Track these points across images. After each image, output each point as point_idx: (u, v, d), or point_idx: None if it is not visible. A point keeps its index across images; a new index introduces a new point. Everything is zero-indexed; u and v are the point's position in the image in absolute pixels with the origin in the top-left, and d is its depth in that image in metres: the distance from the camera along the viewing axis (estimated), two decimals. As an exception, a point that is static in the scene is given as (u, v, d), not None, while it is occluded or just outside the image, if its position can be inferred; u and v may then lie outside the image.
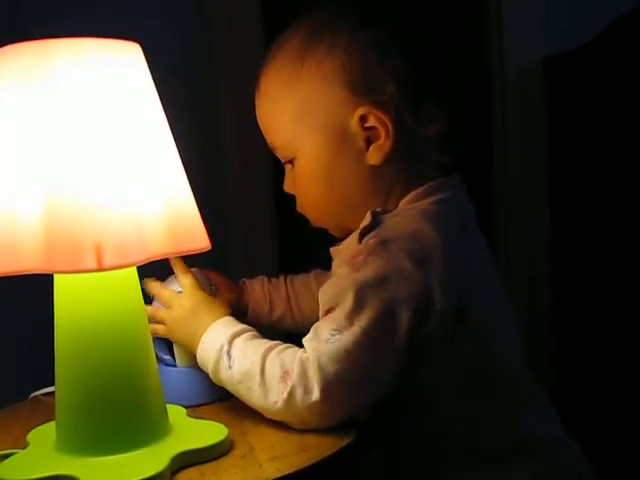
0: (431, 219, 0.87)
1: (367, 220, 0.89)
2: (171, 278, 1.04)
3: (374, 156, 0.89)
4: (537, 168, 2.55)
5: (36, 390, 1.11)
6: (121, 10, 1.67)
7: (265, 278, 1.18)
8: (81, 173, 0.76)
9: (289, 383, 0.84)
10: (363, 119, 0.89)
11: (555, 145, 2.53)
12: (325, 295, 0.87)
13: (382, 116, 0.88)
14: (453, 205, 0.92)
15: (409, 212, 0.89)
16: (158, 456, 0.81)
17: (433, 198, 0.90)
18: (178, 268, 1.00)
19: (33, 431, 0.92)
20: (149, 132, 0.82)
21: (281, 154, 0.96)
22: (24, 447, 0.89)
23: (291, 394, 0.84)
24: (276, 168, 2.19)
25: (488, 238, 1.04)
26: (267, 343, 0.89)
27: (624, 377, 1.94)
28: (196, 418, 0.94)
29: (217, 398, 1.01)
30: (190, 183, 0.88)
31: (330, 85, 0.89)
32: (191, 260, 0.96)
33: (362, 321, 0.82)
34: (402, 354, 0.84)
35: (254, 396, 0.88)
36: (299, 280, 1.16)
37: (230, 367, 0.89)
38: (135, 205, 0.78)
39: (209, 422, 0.91)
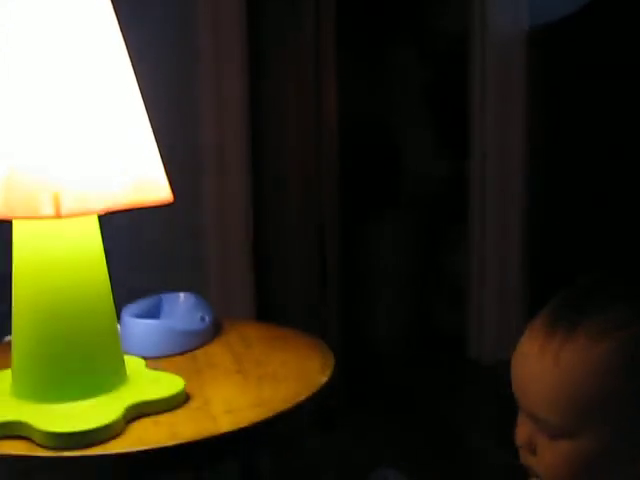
0: None
1: None
2: None
3: None
4: (514, 136, 2.56)
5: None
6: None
7: None
8: (42, 123, 0.75)
9: None
10: None
11: (533, 114, 2.53)
12: None
13: None
14: None
15: None
16: (113, 405, 0.82)
17: None
18: None
19: (-11, 377, 0.92)
20: (112, 82, 0.81)
21: (548, 425, 0.80)
22: (-20, 392, 0.89)
23: None
24: (254, 138, 2.23)
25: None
26: None
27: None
28: (155, 370, 0.94)
29: (178, 351, 1.02)
30: (160, 139, 0.87)
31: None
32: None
33: None
34: None
35: None
36: None
37: None
38: (96, 155, 0.77)
39: (167, 374, 0.92)
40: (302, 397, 0.86)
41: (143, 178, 0.82)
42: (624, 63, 2.19)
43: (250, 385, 0.90)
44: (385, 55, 3.20)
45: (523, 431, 0.79)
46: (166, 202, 0.87)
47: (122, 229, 1.90)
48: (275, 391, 0.88)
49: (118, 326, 0.94)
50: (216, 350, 1.04)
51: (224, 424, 0.81)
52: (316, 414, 2.14)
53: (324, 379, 0.91)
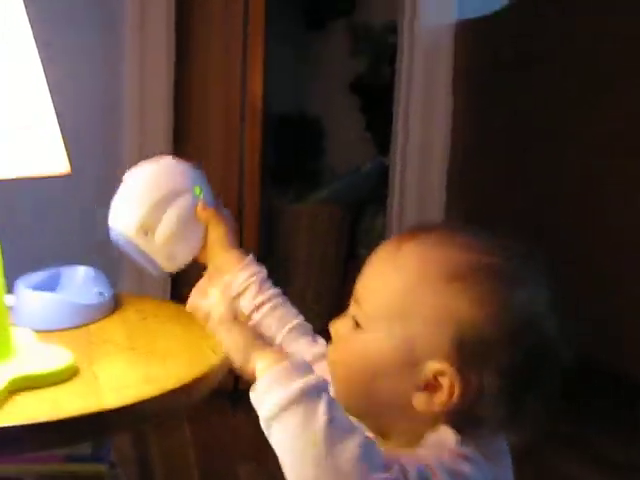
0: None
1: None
2: None
3: (420, 404, 0.78)
4: (437, 129, 2.59)
5: None
6: None
7: (263, 274, 0.98)
8: None
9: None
10: (440, 373, 0.76)
11: (457, 107, 2.57)
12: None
13: (457, 388, 0.76)
14: None
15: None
16: (-5, 377, 0.80)
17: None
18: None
19: None
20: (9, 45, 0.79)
21: (358, 310, 0.82)
22: None
23: None
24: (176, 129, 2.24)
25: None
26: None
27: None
28: (46, 343, 0.93)
29: (71, 325, 1.00)
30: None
31: (446, 322, 0.77)
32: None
33: None
34: None
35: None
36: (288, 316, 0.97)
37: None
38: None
39: (57, 348, 0.90)
40: (191, 377, 0.85)
41: (36, 148, 0.80)
42: (540, 57, 2.25)
43: (140, 362, 0.90)
44: (314, 45, 3.22)
45: (341, 321, 0.83)
46: (64, 174, 0.85)
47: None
48: (165, 369, 0.87)
49: (10, 297, 0.92)
50: (111, 325, 1.03)
51: (111, 401, 0.80)
52: (223, 395, 2.13)
53: (216, 359, 0.91)
